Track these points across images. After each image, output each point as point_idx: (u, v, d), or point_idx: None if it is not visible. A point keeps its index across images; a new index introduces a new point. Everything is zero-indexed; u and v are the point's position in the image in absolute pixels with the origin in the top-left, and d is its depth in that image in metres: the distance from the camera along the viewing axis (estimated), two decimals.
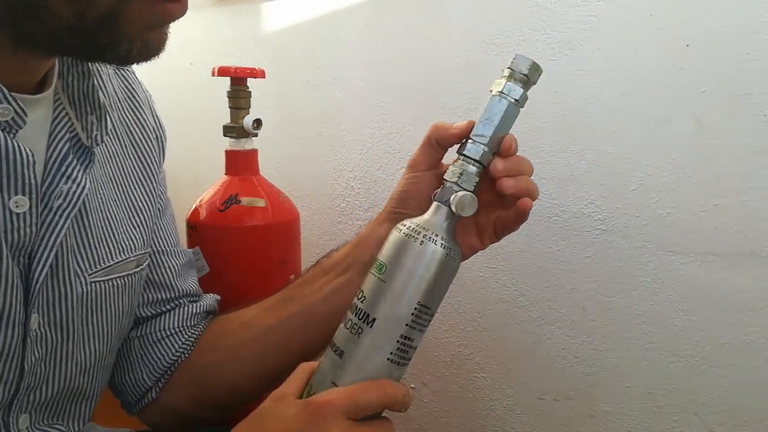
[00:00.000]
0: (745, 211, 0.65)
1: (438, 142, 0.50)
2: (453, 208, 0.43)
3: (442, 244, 0.41)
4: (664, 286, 0.71)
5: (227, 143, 0.71)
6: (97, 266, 0.48)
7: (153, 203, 0.56)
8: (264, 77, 0.70)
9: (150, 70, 1.45)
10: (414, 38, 0.86)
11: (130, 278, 0.52)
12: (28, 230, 0.41)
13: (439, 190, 0.45)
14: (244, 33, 1.09)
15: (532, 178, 0.51)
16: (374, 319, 0.40)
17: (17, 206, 0.40)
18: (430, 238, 0.41)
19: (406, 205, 0.51)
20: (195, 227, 0.68)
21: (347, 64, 0.95)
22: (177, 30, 1.38)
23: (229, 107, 0.70)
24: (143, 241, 0.55)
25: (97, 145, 0.47)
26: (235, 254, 0.67)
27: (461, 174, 0.45)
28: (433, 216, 0.44)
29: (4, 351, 0.41)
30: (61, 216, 0.43)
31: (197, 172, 1.22)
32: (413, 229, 0.41)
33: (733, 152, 0.65)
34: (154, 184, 0.57)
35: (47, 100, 0.45)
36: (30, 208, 0.40)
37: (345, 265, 0.54)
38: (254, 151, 0.71)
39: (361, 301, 0.41)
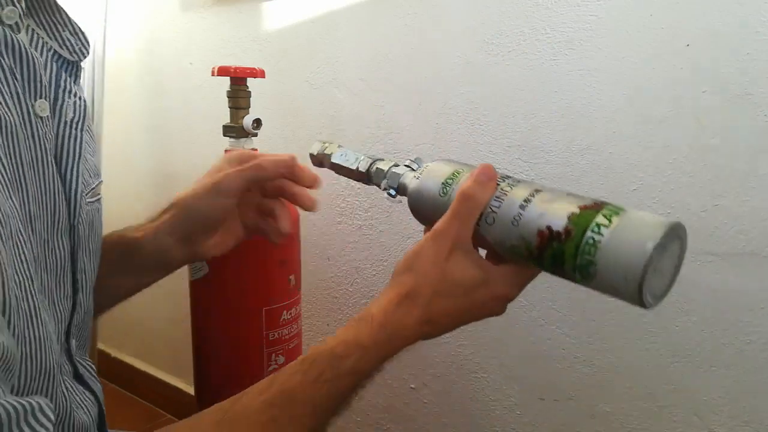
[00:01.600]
0: (745, 211, 0.65)
1: (256, 183, 0.55)
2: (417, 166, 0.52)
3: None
4: None
5: (227, 143, 0.71)
6: (87, 186, 0.47)
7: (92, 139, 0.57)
8: (264, 77, 0.69)
9: (150, 69, 1.45)
10: (414, 38, 0.86)
11: (101, 203, 0.51)
12: (51, 136, 0.40)
13: (388, 178, 0.53)
14: (244, 32, 1.09)
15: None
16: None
17: (42, 110, 0.39)
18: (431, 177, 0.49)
19: (200, 225, 0.55)
20: None
21: (347, 63, 0.95)
22: (177, 30, 1.39)
23: (229, 107, 0.69)
24: (99, 169, 0.54)
25: (84, 57, 0.46)
26: (235, 255, 0.66)
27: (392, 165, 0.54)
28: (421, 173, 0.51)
29: (61, 262, 0.41)
30: (76, 129, 0.42)
31: (197, 172, 1.22)
32: (443, 183, 0.48)
33: (733, 152, 0.65)
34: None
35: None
36: (50, 113, 0.40)
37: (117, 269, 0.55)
38: (255, 152, 0.71)
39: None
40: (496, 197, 0.44)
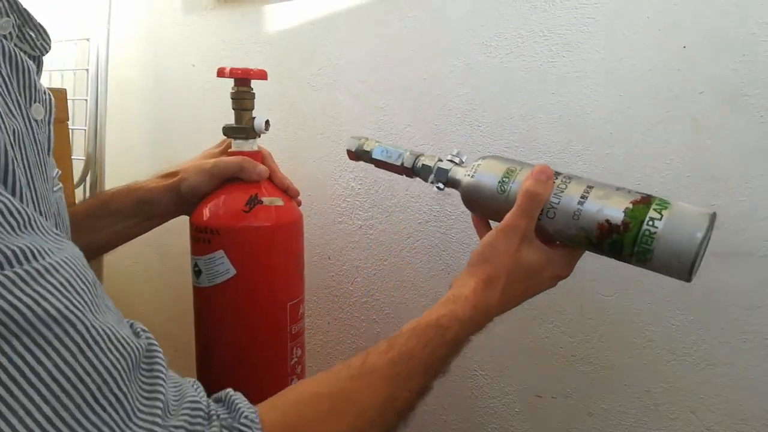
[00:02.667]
0: (742, 211, 0.66)
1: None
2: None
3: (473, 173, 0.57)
4: (661, 285, 0.72)
5: (232, 144, 0.71)
6: (54, 178, 0.48)
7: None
8: (266, 78, 0.70)
9: (152, 70, 1.45)
10: (413, 40, 0.87)
11: (62, 192, 0.52)
12: (44, 137, 0.40)
13: (435, 174, 0.59)
14: (245, 34, 1.09)
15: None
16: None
17: (37, 113, 0.39)
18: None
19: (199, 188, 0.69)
20: (217, 231, 0.66)
21: (348, 65, 0.96)
22: (179, 32, 1.39)
23: (233, 108, 0.70)
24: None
25: (45, 52, 0.46)
26: (264, 254, 0.66)
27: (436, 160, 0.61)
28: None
29: None
30: (49, 124, 0.43)
31: None
32: (502, 180, 0.55)
33: (730, 153, 0.65)
34: None
35: None
36: (44, 115, 0.41)
37: (131, 211, 0.69)
38: (259, 153, 0.72)
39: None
40: (554, 194, 0.51)
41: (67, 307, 0.29)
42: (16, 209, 0.30)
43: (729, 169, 0.66)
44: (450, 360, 0.50)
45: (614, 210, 0.48)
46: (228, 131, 0.71)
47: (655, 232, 0.46)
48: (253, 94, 0.70)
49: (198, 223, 0.67)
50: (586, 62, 0.73)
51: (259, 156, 0.71)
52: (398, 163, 0.61)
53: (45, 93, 0.44)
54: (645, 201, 0.48)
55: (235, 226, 0.66)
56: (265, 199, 0.67)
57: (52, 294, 0.29)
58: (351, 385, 0.43)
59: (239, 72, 0.68)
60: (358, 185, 0.97)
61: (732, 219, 0.66)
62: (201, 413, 0.34)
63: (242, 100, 0.69)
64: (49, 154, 0.43)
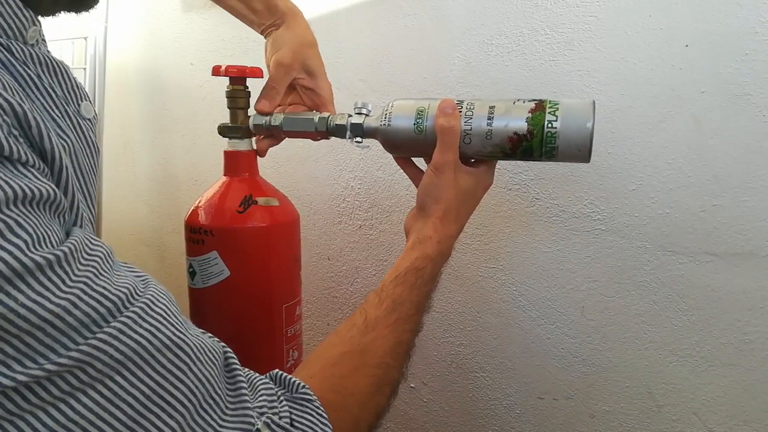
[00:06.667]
0: (744, 211, 0.65)
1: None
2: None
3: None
4: (663, 285, 0.71)
5: (226, 143, 0.71)
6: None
7: None
8: (262, 76, 0.69)
9: (151, 70, 1.44)
10: (414, 38, 0.87)
11: None
12: (95, 136, 0.41)
13: (351, 130, 0.63)
14: (245, 33, 1.09)
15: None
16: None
17: (87, 112, 0.40)
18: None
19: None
20: (211, 231, 0.65)
21: (347, 65, 0.95)
22: (178, 30, 1.38)
23: (228, 107, 0.69)
24: None
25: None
26: (258, 255, 0.66)
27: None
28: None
29: None
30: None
31: (198, 172, 1.22)
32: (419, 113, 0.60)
33: (732, 152, 0.65)
34: None
35: None
36: (94, 113, 0.41)
37: None
38: (254, 152, 0.71)
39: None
40: (465, 122, 0.57)
41: (174, 334, 0.33)
42: (108, 251, 0.33)
43: (731, 169, 0.65)
44: (432, 295, 0.55)
45: (518, 122, 0.54)
46: (223, 130, 0.70)
47: (555, 132, 0.53)
48: (249, 92, 0.69)
49: (192, 223, 0.67)
50: (588, 61, 0.72)
51: (254, 156, 0.71)
52: (312, 129, 0.64)
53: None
54: (540, 107, 0.54)
55: (228, 227, 0.65)
56: (260, 200, 0.67)
57: (162, 323, 0.32)
58: (366, 340, 0.48)
59: (234, 70, 0.68)
60: (358, 185, 0.97)
61: (734, 219, 0.66)
62: (273, 392, 0.38)
63: (237, 98, 0.69)
64: (98, 151, 0.43)
